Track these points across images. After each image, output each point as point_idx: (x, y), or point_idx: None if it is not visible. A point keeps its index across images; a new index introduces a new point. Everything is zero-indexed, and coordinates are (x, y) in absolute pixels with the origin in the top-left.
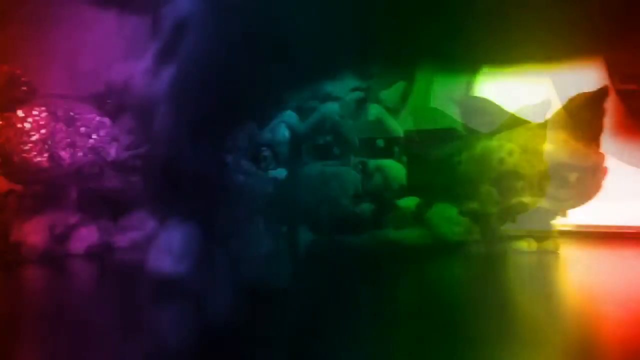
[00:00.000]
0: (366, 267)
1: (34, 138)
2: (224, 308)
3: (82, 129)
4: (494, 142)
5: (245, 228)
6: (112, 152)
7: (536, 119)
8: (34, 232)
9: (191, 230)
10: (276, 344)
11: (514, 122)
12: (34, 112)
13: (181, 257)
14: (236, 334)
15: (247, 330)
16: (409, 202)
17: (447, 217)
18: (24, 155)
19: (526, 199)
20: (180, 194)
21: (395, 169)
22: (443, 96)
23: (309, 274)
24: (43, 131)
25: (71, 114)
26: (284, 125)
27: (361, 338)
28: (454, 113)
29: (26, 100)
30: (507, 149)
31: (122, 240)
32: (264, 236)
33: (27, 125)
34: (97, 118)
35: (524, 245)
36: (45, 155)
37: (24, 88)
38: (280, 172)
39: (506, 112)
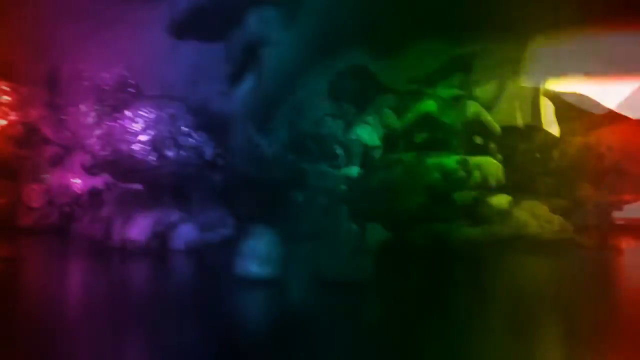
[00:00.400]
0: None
1: (142, 138)
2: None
3: (184, 129)
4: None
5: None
6: (209, 151)
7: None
8: (137, 228)
9: (273, 236)
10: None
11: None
12: (142, 113)
13: (267, 261)
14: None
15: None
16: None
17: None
18: (134, 154)
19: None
20: (260, 202)
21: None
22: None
23: (392, 268)
24: (151, 131)
25: (174, 113)
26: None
27: (452, 332)
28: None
29: (132, 102)
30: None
31: (213, 236)
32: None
33: (136, 126)
34: (196, 117)
35: (621, 242)
36: (154, 154)
37: (131, 90)
38: (354, 170)
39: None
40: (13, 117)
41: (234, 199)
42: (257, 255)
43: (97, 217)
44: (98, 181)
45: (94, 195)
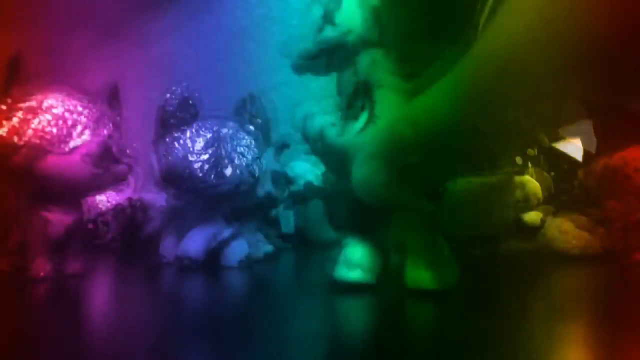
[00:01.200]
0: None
1: (203, 157)
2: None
3: (239, 148)
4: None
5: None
6: (257, 169)
7: None
8: (193, 244)
9: (368, 245)
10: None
11: None
12: (202, 132)
13: (362, 268)
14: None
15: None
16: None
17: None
18: (194, 173)
19: None
20: (356, 217)
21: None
22: None
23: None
24: (210, 150)
25: (230, 133)
26: None
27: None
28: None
29: (191, 121)
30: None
31: (257, 253)
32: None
33: (197, 146)
34: (246, 137)
35: None
36: (213, 173)
37: (192, 109)
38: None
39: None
40: (87, 136)
41: (333, 213)
42: (353, 262)
43: (142, 233)
44: (123, 198)
45: (120, 212)
